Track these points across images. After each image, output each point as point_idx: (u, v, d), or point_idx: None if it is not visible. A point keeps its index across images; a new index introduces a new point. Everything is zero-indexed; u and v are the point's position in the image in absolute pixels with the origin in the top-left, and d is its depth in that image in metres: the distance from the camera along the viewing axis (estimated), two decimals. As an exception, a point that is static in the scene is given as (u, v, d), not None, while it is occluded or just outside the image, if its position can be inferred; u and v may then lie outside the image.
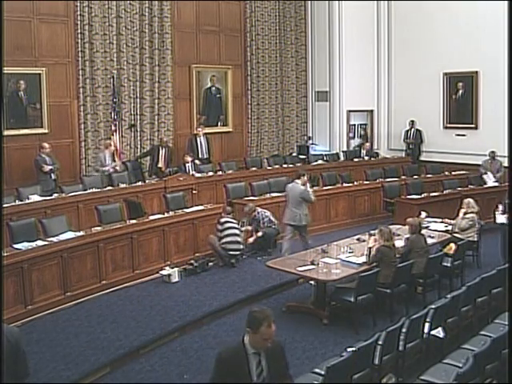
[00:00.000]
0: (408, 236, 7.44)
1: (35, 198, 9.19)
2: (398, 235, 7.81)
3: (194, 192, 10.79)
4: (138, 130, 12.53)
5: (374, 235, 7.11)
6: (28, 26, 10.86)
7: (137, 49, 12.37)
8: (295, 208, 8.48)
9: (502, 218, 8.59)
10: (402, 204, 10.50)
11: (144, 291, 7.60)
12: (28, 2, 10.80)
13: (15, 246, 7.02)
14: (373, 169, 12.44)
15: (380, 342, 4.78)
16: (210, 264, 8.50)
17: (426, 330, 5.37)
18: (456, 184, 11.29)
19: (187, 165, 11.70)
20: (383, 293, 6.71)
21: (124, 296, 7.43)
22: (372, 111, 15.24)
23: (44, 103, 11.07)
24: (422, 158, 14.19)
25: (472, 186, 11.35)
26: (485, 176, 11.75)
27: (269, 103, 14.76)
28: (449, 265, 7.51)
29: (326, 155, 13.90)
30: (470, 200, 8.67)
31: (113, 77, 11.69)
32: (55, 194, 9.60)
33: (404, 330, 5.09)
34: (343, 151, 14.38)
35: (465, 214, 8.53)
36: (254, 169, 12.46)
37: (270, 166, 12.93)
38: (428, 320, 5.38)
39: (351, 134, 15.30)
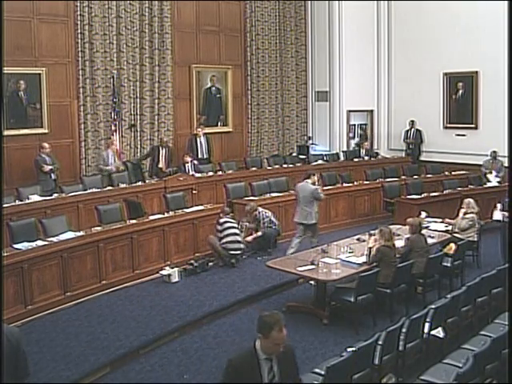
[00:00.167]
0: (408, 236, 7.44)
1: (35, 197, 9.18)
2: (398, 235, 7.81)
3: (194, 192, 10.79)
4: (138, 130, 12.51)
5: (374, 235, 7.12)
6: (28, 25, 10.85)
7: (137, 49, 12.36)
8: (306, 207, 8.57)
9: (498, 215, 8.62)
10: (402, 204, 10.50)
11: (144, 291, 7.60)
12: (28, 1, 10.79)
13: (15, 245, 7.02)
14: (373, 169, 12.44)
15: (380, 342, 4.79)
16: (210, 264, 8.51)
17: (426, 330, 5.37)
18: (456, 184, 11.29)
19: (187, 165, 11.70)
20: (383, 293, 6.71)
21: (124, 296, 7.43)
22: (372, 111, 15.24)
23: (44, 103, 11.06)
24: (422, 158, 14.18)
25: (472, 186, 11.36)
26: (489, 175, 11.75)
27: (269, 103, 14.75)
28: (449, 265, 7.52)
29: (325, 155, 13.89)
30: (470, 200, 8.68)
31: (113, 77, 11.68)
32: (55, 194, 9.59)
33: (404, 330, 5.09)
34: (343, 151, 14.37)
35: (465, 214, 8.54)
36: (254, 169, 12.46)
37: (270, 166, 12.93)
38: (428, 320, 5.38)
39: (351, 134, 15.30)
